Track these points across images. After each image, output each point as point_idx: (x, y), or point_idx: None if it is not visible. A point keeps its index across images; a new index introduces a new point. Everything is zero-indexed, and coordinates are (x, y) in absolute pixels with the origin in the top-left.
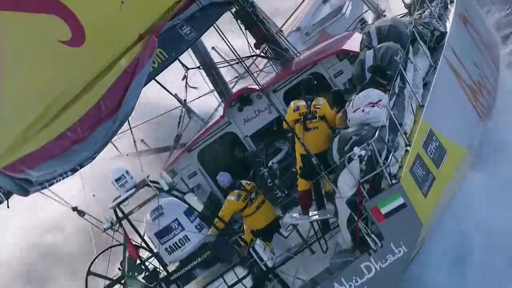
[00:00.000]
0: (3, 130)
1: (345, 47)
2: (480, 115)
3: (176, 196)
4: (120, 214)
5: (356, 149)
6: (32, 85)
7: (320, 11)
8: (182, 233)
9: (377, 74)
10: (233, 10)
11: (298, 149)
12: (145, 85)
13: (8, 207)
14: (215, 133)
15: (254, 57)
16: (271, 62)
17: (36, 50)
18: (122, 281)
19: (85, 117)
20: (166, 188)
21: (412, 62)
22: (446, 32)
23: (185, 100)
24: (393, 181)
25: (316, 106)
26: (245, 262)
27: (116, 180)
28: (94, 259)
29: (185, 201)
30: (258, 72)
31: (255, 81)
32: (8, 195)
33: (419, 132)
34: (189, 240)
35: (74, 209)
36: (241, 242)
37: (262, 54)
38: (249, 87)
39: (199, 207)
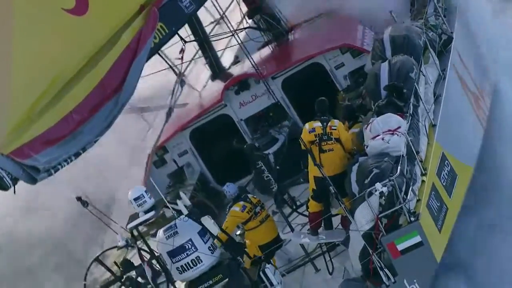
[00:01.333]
0: (11, 111)
1: (349, 41)
2: (482, 124)
3: (193, 219)
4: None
5: (378, 185)
6: (37, 58)
7: None
8: (195, 253)
9: (394, 95)
10: None
11: (311, 171)
12: (146, 61)
13: (14, 193)
14: (210, 114)
15: (247, 29)
16: (263, 34)
17: (41, 20)
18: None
19: (89, 97)
20: (185, 211)
21: (424, 76)
22: (453, 37)
23: (181, 72)
24: (412, 219)
25: (332, 127)
26: (256, 286)
27: (135, 199)
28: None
29: (201, 224)
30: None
31: (254, 66)
32: (15, 180)
33: (433, 158)
34: (201, 261)
35: (78, 199)
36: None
37: (255, 25)
38: (249, 72)
39: (215, 230)
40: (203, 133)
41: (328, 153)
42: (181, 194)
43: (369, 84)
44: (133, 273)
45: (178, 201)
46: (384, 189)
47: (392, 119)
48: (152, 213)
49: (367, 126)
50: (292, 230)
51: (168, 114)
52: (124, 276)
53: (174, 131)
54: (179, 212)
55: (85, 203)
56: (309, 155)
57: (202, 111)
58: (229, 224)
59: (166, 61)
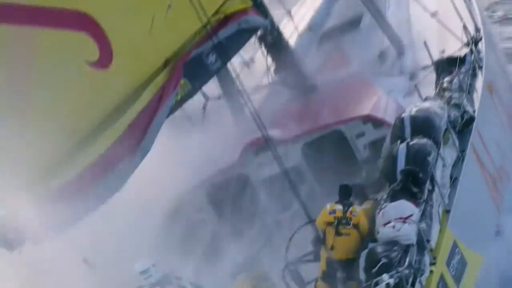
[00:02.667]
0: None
1: (372, 112)
2: (496, 205)
3: None
4: None
5: (385, 277)
6: (55, 115)
7: (332, 8)
8: None
9: (410, 180)
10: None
11: (324, 252)
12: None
13: None
14: (227, 173)
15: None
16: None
17: (63, 73)
18: None
19: (107, 153)
20: None
21: (442, 159)
22: (475, 117)
23: None
24: None
25: (353, 213)
26: None
27: (141, 273)
28: None
29: None
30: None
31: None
32: None
33: (443, 247)
34: None
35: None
36: None
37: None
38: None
39: None
40: (220, 191)
41: (344, 237)
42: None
43: (385, 166)
44: None
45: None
46: (391, 281)
47: (404, 206)
48: None
49: (379, 212)
50: None
51: None
52: None
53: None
54: None
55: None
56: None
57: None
58: None
59: None
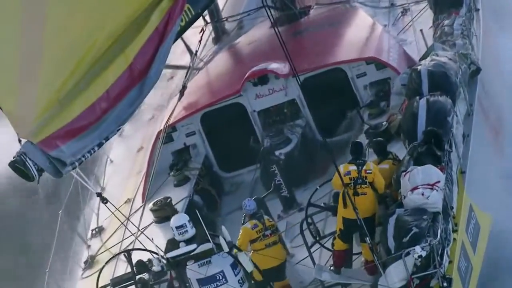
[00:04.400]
0: (40, 91)
1: (376, 54)
2: (500, 160)
3: (232, 255)
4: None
5: (418, 249)
6: (65, 34)
7: None
8: (224, 285)
9: (433, 142)
10: None
11: (340, 211)
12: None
13: (38, 183)
14: (224, 101)
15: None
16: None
17: None
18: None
19: (117, 82)
20: (226, 249)
21: (457, 116)
22: (481, 68)
23: (196, 51)
24: (445, 284)
25: (367, 171)
26: None
27: (177, 228)
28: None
29: (238, 262)
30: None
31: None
32: (40, 171)
33: (463, 213)
34: None
35: (98, 195)
36: None
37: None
38: (274, 70)
39: (250, 267)
40: (214, 117)
41: (361, 197)
42: (223, 228)
43: (406, 122)
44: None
45: (220, 237)
46: (423, 253)
47: (432, 172)
48: (193, 246)
49: (405, 175)
50: (314, 264)
51: (181, 93)
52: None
53: (186, 114)
54: (219, 247)
55: (104, 200)
56: (340, 196)
57: (217, 99)
58: (241, 241)
59: (183, 42)
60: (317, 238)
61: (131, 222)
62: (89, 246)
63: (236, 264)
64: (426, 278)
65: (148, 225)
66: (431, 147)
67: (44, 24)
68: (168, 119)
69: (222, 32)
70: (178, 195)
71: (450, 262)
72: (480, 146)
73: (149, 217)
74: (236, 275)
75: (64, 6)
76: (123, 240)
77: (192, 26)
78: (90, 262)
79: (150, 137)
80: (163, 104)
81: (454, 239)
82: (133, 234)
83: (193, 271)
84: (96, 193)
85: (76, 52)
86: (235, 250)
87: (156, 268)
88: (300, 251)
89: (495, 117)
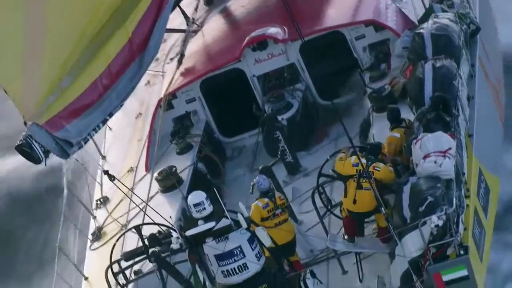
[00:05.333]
0: (43, 71)
1: (375, 17)
2: (501, 121)
3: (250, 231)
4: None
5: (435, 218)
6: (68, 9)
7: None
8: (242, 260)
9: (441, 108)
10: None
11: (345, 203)
12: None
13: (45, 165)
14: (223, 66)
15: None
16: None
17: None
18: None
19: (117, 57)
20: (245, 225)
21: (461, 78)
22: (480, 27)
23: (193, 19)
24: (461, 252)
25: (376, 168)
26: None
27: (195, 205)
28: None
29: (256, 236)
30: None
31: (295, 26)
32: (46, 153)
33: (473, 178)
34: (248, 268)
35: (105, 172)
36: None
37: None
38: (273, 35)
39: (268, 241)
40: (214, 83)
41: (364, 191)
42: (240, 204)
43: (412, 88)
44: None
45: (238, 214)
46: (440, 222)
47: (443, 139)
48: (212, 223)
49: (416, 142)
50: (327, 233)
51: (180, 61)
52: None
53: (186, 81)
54: (237, 223)
55: (112, 177)
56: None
57: (216, 65)
58: (253, 218)
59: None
60: (329, 207)
61: (136, 195)
62: (95, 217)
63: (253, 239)
64: (442, 247)
65: (154, 195)
66: (439, 113)
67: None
68: (168, 86)
69: None
70: (182, 163)
71: (465, 229)
72: (484, 107)
73: (154, 186)
74: (253, 250)
75: None
76: (129, 211)
77: None
78: (97, 234)
79: (148, 103)
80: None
81: (467, 205)
82: (140, 209)
83: (211, 247)
84: (103, 170)
85: (77, 27)
86: (252, 226)
87: (175, 246)
88: (308, 218)
89: (494, 77)
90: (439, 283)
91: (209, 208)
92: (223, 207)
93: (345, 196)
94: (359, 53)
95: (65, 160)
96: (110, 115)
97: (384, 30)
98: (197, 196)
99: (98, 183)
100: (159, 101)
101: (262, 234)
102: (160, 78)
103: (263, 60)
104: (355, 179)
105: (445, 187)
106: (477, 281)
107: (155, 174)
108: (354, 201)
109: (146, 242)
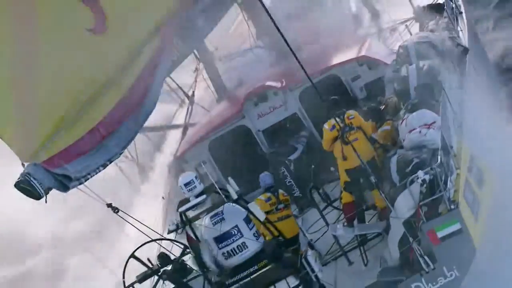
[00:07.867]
0: (41, 123)
1: (367, 53)
2: None
3: (241, 205)
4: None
5: (421, 173)
6: (63, 72)
7: None
8: (241, 239)
9: (426, 93)
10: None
11: (341, 165)
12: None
13: (46, 202)
14: (228, 125)
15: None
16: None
17: (65, 35)
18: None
19: (113, 111)
20: (235, 196)
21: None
22: (468, 48)
23: (193, 93)
24: (452, 207)
25: (350, 117)
26: (298, 272)
27: (185, 185)
28: (137, 248)
29: (249, 210)
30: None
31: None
32: (47, 190)
33: (463, 158)
34: (247, 247)
35: (109, 205)
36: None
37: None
38: (268, 84)
39: (262, 216)
40: (221, 143)
41: (353, 143)
42: (230, 179)
43: (399, 85)
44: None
45: (227, 186)
46: (426, 177)
47: (427, 114)
48: (203, 196)
49: (402, 122)
50: (327, 224)
51: (184, 132)
52: (161, 270)
53: (195, 141)
54: (228, 197)
55: (115, 209)
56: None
57: (222, 121)
58: None
59: (175, 82)
60: (328, 202)
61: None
62: None
63: (249, 219)
64: (433, 205)
65: None
66: (424, 98)
67: (40, 63)
68: (176, 153)
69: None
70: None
71: (455, 191)
72: (473, 96)
73: None
74: (250, 229)
75: (58, 51)
76: None
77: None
78: None
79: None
80: None
81: (458, 174)
82: None
83: (208, 228)
84: (107, 204)
85: (74, 88)
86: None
87: (171, 227)
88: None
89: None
90: (434, 239)
91: (199, 186)
92: (214, 183)
93: (344, 159)
94: (356, 93)
95: (66, 192)
96: (110, 161)
97: (378, 67)
98: (187, 176)
99: None
100: (169, 168)
101: (255, 209)
102: None
103: (266, 114)
104: (339, 138)
105: (431, 153)
106: (472, 236)
107: None
108: (345, 158)
109: (157, 262)
